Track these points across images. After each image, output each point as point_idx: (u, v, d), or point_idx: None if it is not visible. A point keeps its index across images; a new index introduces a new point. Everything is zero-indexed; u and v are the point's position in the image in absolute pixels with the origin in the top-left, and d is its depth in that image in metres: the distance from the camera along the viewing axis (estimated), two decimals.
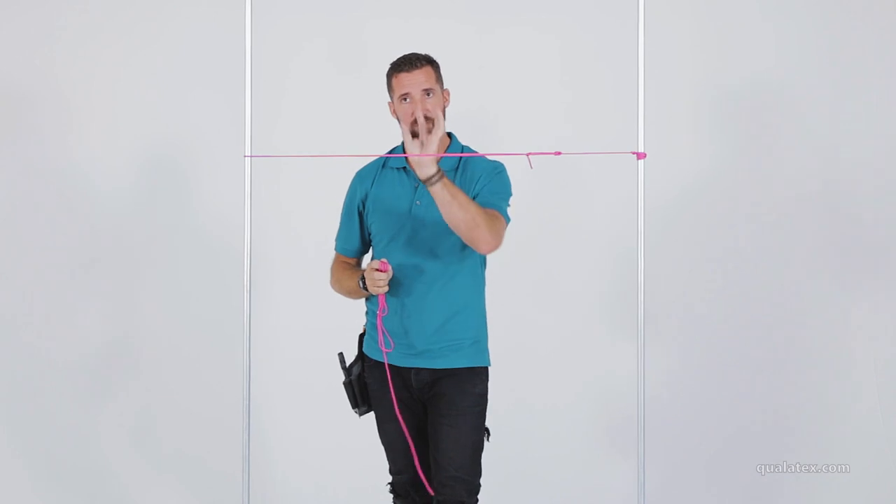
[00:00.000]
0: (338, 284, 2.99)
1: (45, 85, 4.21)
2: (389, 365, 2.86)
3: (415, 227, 2.85)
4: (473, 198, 2.77)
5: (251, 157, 2.74)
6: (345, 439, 3.94)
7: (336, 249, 3.06)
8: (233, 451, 3.76)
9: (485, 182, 2.82)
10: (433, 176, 2.56)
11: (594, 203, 4.13)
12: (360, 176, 3.00)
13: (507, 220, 2.84)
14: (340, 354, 3.00)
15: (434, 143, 2.58)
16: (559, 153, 2.58)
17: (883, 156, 4.09)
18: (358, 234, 3.01)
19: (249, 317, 2.85)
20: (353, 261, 3.05)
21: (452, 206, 2.61)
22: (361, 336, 3.00)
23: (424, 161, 2.54)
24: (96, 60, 4.21)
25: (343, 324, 3.31)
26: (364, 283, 2.82)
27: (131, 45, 4.20)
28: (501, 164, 2.88)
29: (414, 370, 2.87)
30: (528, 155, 2.61)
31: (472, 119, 3.30)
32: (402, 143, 2.75)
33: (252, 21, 2.69)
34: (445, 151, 2.87)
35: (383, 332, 2.84)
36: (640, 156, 2.65)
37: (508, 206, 2.86)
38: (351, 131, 3.96)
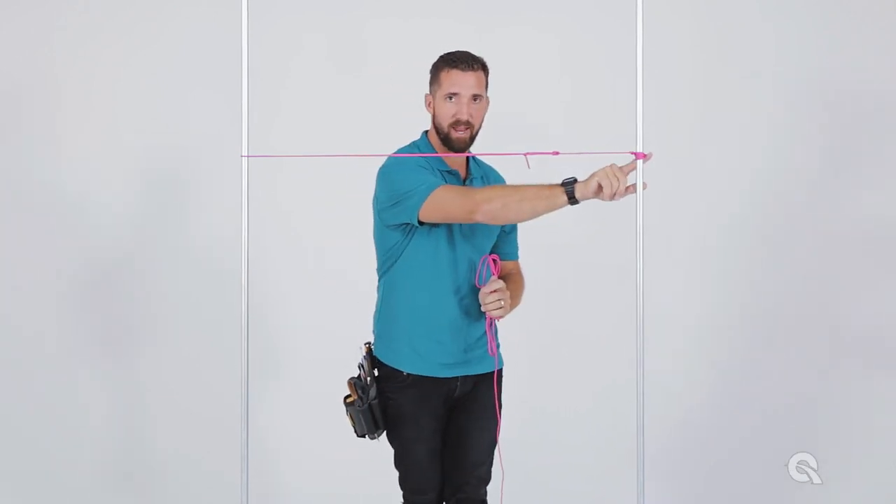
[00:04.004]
0: (517, 195, 2.59)
1: (43, 85, 4.22)
2: (435, 379, 2.82)
3: (469, 229, 2.82)
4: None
5: (249, 157, 2.73)
6: (345, 440, 3.93)
7: (434, 187, 2.65)
8: (232, 451, 3.75)
9: None
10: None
11: (593, 203, 4.12)
12: (419, 158, 2.78)
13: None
14: (354, 380, 2.83)
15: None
16: (557, 153, 2.57)
17: (883, 153, 4.09)
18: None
19: (248, 317, 2.84)
20: None
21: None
22: (369, 353, 2.86)
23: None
24: (95, 61, 4.21)
25: (343, 324, 3.30)
26: (571, 193, 2.56)
27: (130, 45, 4.21)
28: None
29: (461, 378, 2.85)
30: (526, 155, 2.60)
31: None
32: (424, 136, 2.79)
33: (249, 20, 2.69)
34: (467, 161, 2.86)
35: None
36: (639, 156, 2.64)
37: None
38: (350, 131, 3.96)
